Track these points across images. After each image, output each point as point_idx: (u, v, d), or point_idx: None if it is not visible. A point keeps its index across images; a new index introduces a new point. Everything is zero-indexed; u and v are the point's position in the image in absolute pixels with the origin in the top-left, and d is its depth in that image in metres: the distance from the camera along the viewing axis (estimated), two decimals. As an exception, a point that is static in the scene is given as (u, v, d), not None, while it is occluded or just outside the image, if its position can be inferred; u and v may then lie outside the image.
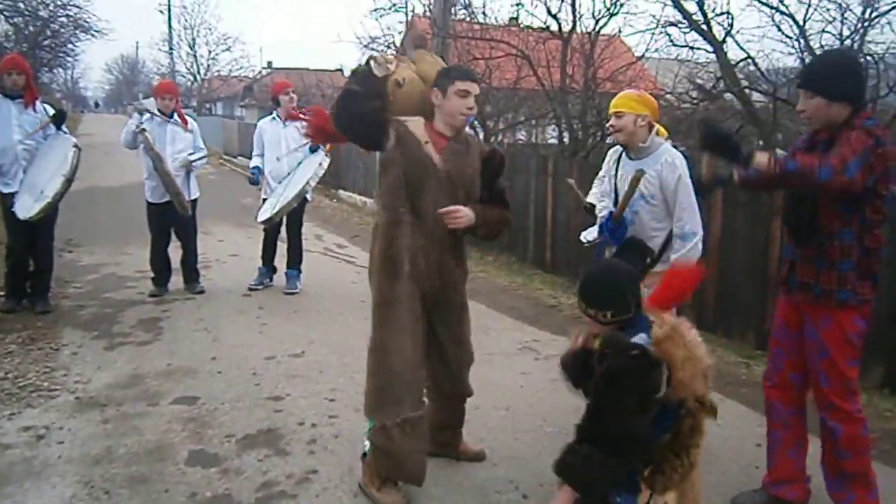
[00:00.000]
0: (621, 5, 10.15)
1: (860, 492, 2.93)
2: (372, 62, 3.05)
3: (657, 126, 3.64)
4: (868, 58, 7.61)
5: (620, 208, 3.54)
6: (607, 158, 5.18)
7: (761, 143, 8.75)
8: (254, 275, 7.10)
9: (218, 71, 41.72)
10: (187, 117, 6.55)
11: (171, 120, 6.31)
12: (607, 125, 3.77)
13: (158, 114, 6.24)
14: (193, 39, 40.21)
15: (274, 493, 3.23)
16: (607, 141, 5.41)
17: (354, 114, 3.03)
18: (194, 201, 6.51)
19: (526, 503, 3.17)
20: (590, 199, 4.52)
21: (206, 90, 41.74)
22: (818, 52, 7.39)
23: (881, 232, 2.86)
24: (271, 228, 6.77)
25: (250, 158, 7.07)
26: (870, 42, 7.68)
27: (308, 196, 6.71)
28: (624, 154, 3.72)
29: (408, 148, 3.05)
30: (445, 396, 3.44)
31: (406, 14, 14.72)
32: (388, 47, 14.34)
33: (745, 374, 4.99)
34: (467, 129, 3.40)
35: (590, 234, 5.61)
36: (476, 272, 8.06)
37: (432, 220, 3.06)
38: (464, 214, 3.04)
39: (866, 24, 7.65)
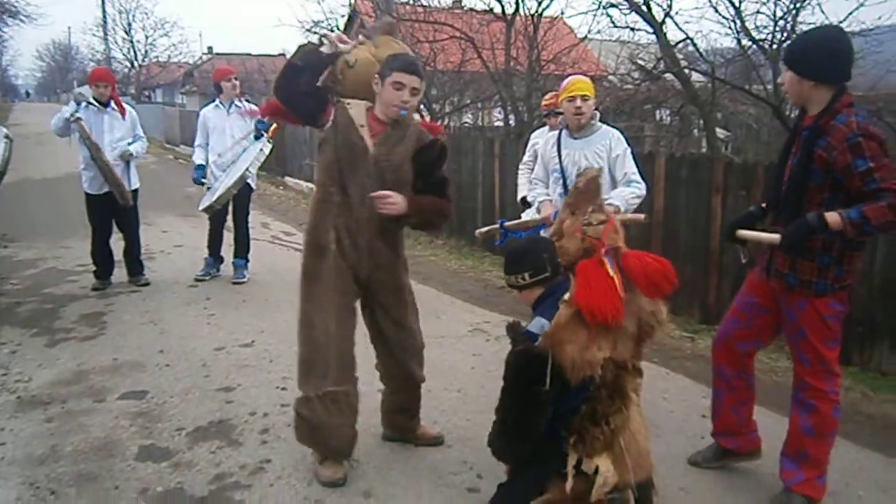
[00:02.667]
0: (563, -13, 10.22)
1: (811, 472, 2.97)
2: (324, 39, 3.06)
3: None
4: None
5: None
6: (534, 143, 5.38)
7: (702, 122, 8.96)
8: (200, 265, 6.97)
9: (156, 57, 40.59)
10: (125, 105, 6.35)
11: (108, 108, 6.12)
12: (572, 107, 3.93)
13: (95, 102, 6.04)
14: (129, 24, 39.03)
15: (228, 485, 3.20)
16: (557, 119, 5.48)
17: (293, 88, 3.04)
18: (135, 191, 6.35)
19: (480, 483, 3.21)
20: (521, 192, 4.90)
21: (145, 77, 40.57)
22: (754, 32, 7.59)
23: None
24: (217, 217, 6.66)
25: (192, 146, 6.90)
26: (801, 23, 7.90)
27: (252, 184, 6.63)
28: (565, 135, 4.07)
29: (342, 130, 3.07)
30: (395, 380, 3.47)
31: (349, -3, 14.53)
32: (331, 31, 14.16)
33: (690, 348, 5.13)
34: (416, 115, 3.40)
35: (531, 213, 5.72)
36: (426, 256, 8.09)
37: (359, 202, 3.07)
38: (395, 201, 3.03)
39: (798, 5, 7.86)
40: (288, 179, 14.55)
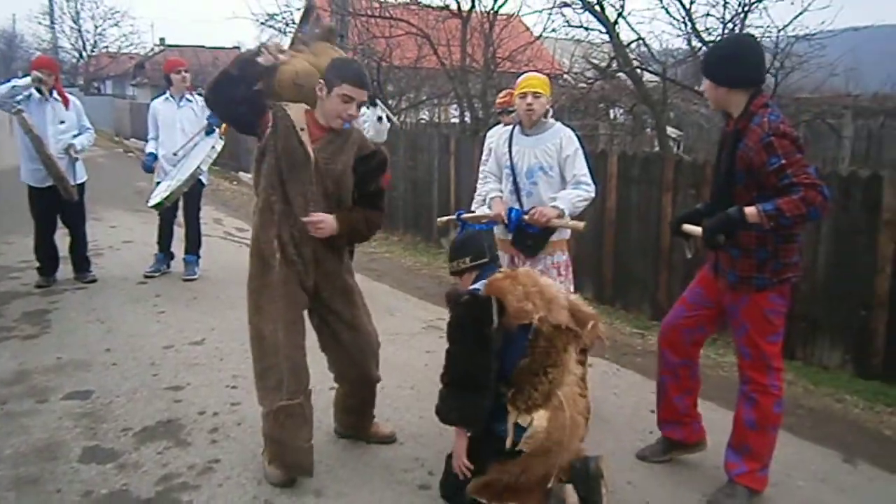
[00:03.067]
0: (519, -15, 10.25)
1: (753, 465, 3.05)
2: (263, 50, 2.98)
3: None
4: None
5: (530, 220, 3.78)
6: (490, 142, 5.37)
7: (652, 121, 9.11)
8: (150, 261, 6.82)
9: (106, 47, 39.47)
10: (69, 95, 6.18)
11: (51, 98, 5.94)
12: (524, 103, 3.87)
13: (38, 91, 5.83)
14: (77, 13, 37.89)
15: (175, 486, 3.15)
16: (511, 117, 5.51)
17: (227, 98, 2.97)
18: (81, 185, 6.16)
19: (432, 480, 3.21)
20: (478, 212, 4.91)
21: (94, 68, 39.46)
22: (704, 34, 7.74)
23: None
24: (167, 213, 6.53)
25: (144, 140, 6.75)
26: (749, 26, 8.08)
27: (204, 179, 6.53)
28: (517, 131, 4.01)
29: (282, 135, 3.00)
30: (350, 382, 3.45)
31: (304, -10, 14.36)
32: (287, 25, 13.96)
33: (641, 345, 5.22)
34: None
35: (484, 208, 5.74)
36: (381, 253, 8.07)
37: (303, 211, 3.02)
38: (325, 225, 3.01)
39: (746, 8, 8.04)
40: (242, 175, 14.33)
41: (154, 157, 6.47)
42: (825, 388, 4.43)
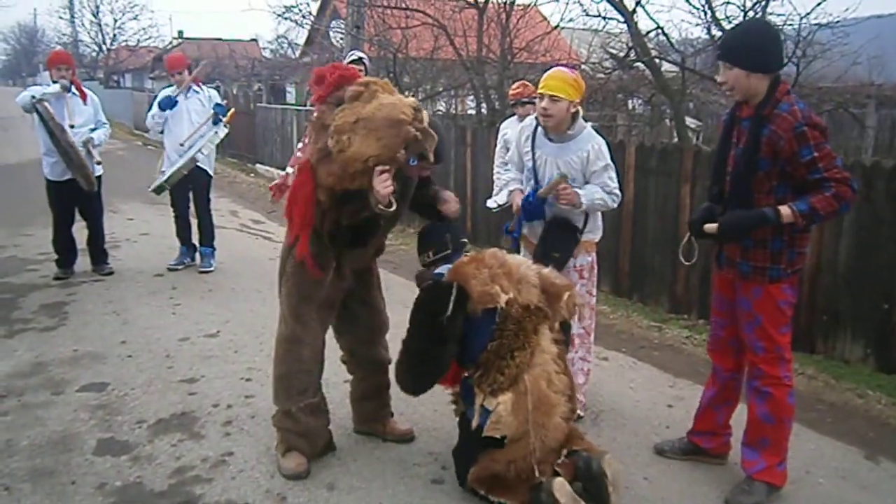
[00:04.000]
0: (536, -25, 10.16)
1: (772, 459, 3.00)
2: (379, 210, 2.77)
3: (581, 110, 3.55)
4: (770, 28, 7.86)
5: (545, 192, 3.55)
6: (504, 134, 5.20)
7: (671, 112, 8.99)
8: (166, 254, 6.85)
9: (125, 41, 39.77)
10: (86, 90, 6.19)
11: (69, 92, 5.96)
12: (539, 107, 3.49)
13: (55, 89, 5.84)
14: (97, 7, 38.20)
15: (188, 479, 3.14)
16: (525, 108, 5.43)
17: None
18: (98, 178, 6.18)
19: (445, 474, 3.19)
20: (496, 201, 5.01)
21: (113, 61, 39.75)
22: (724, 23, 7.60)
23: None
24: (180, 206, 6.56)
25: (162, 133, 6.73)
26: (770, 13, 7.92)
27: (209, 170, 6.53)
28: (540, 132, 3.64)
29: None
30: (363, 364, 3.46)
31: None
32: (304, 17, 13.94)
33: (658, 338, 5.15)
34: None
35: (500, 198, 5.69)
36: (397, 245, 8.04)
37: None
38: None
39: (767, -4, 7.88)
40: (259, 167, 14.38)
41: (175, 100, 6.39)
42: (846, 382, 4.34)
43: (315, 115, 2.99)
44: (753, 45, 2.84)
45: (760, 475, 3.01)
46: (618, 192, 3.60)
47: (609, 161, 3.55)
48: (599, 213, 3.72)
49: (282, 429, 3.20)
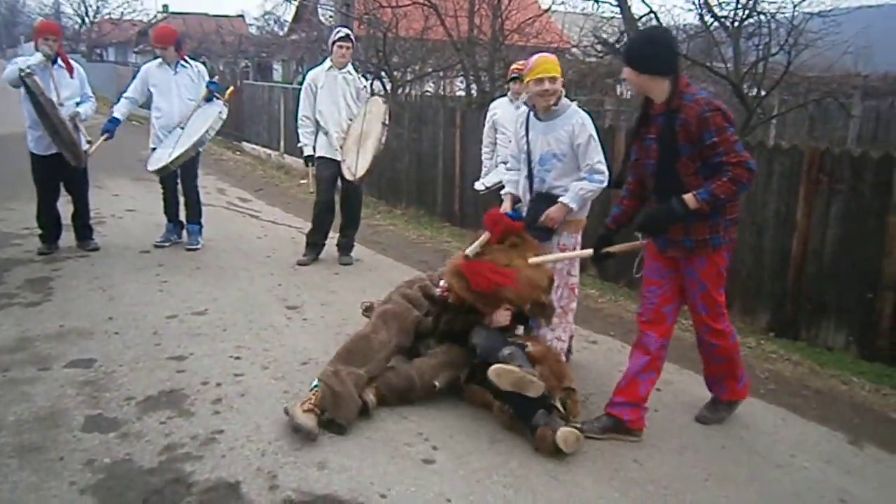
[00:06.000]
0: (529, -44, 10.08)
1: (731, 383, 3.55)
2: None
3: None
4: (761, 16, 7.91)
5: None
6: (493, 114, 5.35)
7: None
8: (152, 230, 6.79)
9: (109, 14, 39.13)
10: (73, 62, 6.08)
11: (55, 65, 5.84)
12: (540, 89, 3.73)
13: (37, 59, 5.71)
14: (80, -22, 37.52)
15: (177, 456, 3.13)
16: (520, 86, 5.43)
17: None
18: (85, 153, 6.07)
19: (436, 454, 3.20)
20: (486, 179, 5.46)
21: (97, 35, 39.11)
22: (716, 9, 7.62)
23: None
24: (169, 182, 6.48)
25: (147, 109, 6.62)
26: (762, 1, 7.95)
27: (199, 147, 6.43)
28: (532, 116, 3.92)
29: None
30: None
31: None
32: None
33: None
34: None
35: (487, 180, 5.72)
36: (385, 226, 8.04)
37: None
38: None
39: (759, -18, 7.90)
40: (245, 145, 14.25)
41: (117, 123, 6.24)
42: (830, 369, 4.40)
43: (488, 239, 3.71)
44: (650, 52, 3.21)
45: (726, 396, 3.59)
46: (603, 169, 3.78)
47: (593, 132, 3.77)
48: None
49: (325, 383, 3.37)
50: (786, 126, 11.18)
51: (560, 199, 3.79)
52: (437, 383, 3.62)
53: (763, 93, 7.95)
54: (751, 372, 4.26)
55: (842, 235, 4.62)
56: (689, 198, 3.08)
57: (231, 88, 6.68)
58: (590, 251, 3.70)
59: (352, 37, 6.13)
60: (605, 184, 3.79)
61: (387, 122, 5.87)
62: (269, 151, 13.05)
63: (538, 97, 3.77)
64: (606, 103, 13.28)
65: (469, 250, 3.68)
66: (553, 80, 3.72)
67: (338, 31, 6.15)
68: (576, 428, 3.23)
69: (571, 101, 3.91)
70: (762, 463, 3.25)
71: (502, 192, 4.21)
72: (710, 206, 3.08)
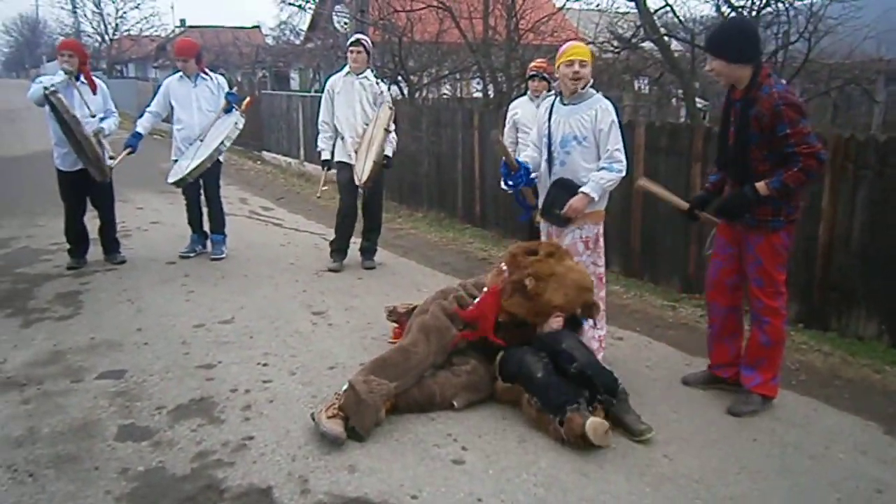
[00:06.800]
0: (541, -45, 10.06)
1: (766, 375, 3.58)
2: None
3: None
4: (780, 4, 7.81)
5: (509, 162, 4.05)
6: (514, 114, 5.41)
7: (680, 91, 8.92)
8: (177, 242, 6.86)
9: (127, 31, 39.69)
10: (95, 79, 6.18)
11: (78, 82, 5.94)
12: (570, 71, 3.90)
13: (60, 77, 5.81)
14: (99, -4, 38.05)
15: (210, 463, 3.17)
16: (540, 83, 5.49)
17: None
18: (109, 168, 6.17)
19: (465, 455, 3.21)
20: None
21: (116, 51, 39.69)
22: (733, 1, 7.54)
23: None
24: (192, 193, 6.55)
25: (170, 123, 6.70)
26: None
27: (220, 157, 6.49)
28: (557, 101, 4.05)
29: None
30: None
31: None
32: (307, 2, 13.87)
33: (672, 317, 5.15)
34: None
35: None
36: (407, 229, 8.06)
37: None
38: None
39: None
40: (265, 154, 14.37)
41: (140, 136, 6.33)
42: (861, 358, 4.33)
43: (512, 256, 3.80)
44: (733, 39, 3.40)
45: (757, 388, 3.59)
46: (622, 157, 3.90)
47: (614, 119, 3.88)
48: None
49: (354, 389, 3.35)
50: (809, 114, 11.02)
51: (581, 189, 3.86)
52: (455, 403, 3.61)
53: (787, 80, 7.84)
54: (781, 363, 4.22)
55: (869, 222, 4.55)
56: (761, 185, 3.31)
57: (248, 99, 6.75)
58: (686, 204, 3.88)
59: (364, 41, 6.16)
60: (623, 173, 3.90)
61: (390, 128, 5.91)
62: (289, 160, 13.15)
63: (568, 80, 3.90)
64: (625, 99, 13.21)
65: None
66: (583, 63, 3.88)
67: (352, 38, 6.20)
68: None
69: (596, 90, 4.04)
70: (795, 454, 3.22)
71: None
72: (780, 195, 3.31)
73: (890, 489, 2.97)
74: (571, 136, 3.91)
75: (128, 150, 6.26)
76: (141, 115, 6.59)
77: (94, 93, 6.05)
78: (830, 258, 4.75)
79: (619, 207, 6.00)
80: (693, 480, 3.02)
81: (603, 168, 3.88)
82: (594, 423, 3.16)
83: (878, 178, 4.49)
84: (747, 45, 3.38)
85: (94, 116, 5.91)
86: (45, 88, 5.57)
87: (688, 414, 3.56)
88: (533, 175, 4.10)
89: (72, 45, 6.18)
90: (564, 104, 3.98)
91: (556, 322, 3.73)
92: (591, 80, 3.98)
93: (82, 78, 5.97)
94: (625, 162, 3.90)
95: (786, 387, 3.89)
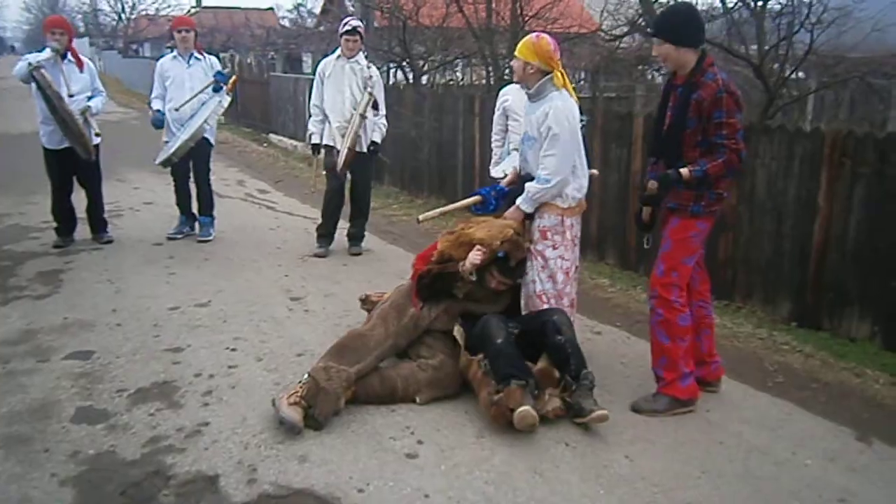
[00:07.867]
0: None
1: (670, 375, 3.49)
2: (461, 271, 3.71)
3: (554, 74, 3.72)
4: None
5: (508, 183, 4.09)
6: (504, 100, 5.37)
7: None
8: (168, 223, 6.83)
9: (144, 10, 39.78)
10: (82, 57, 6.12)
11: (65, 60, 5.89)
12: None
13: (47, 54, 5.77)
14: (116, -25, 38.18)
15: (161, 448, 3.12)
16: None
17: None
18: (96, 147, 6.12)
19: (420, 448, 3.14)
20: (496, 168, 5.28)
21: (133, 30, 39.77)
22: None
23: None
24: (180, 174, 6.50)
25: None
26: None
27: (211, 139, 6.43)
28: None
29: None
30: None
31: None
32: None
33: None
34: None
35: (506, 168, 5.61)
36: (399, 215, 7.97)
37: None
38: None
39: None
40: (272, 136, 14.30)
41: (163, 114, 6.35)
42: (847, 361, 4.19)
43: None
44: (682, 24, 3.39)
45: (664, 389, 3.50)
46: (548, 166, 3.66)
47: (553, 126, 3.62)
48: (580, 180, 3.82)
49: (313, 378, 3.32)
50: (824, 109, 10.76)
51: (518, 202, 3.80)
52: (418, 399, 3.53)
53: (788, 73, 7.63)
54: (759, 364, 4.12)
55: (866, 221, 4.40)
56: (684, 170, 3.31)
57: (234, 77, 6.68)
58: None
59: (360, 29, 6.04)
60: (550, 185, 3.66)
61: (365, 114, 5.82)
62: (294, 143, 13.06)
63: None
64: (638, 90, 13.00)
65: (423, 216, 4.23)
66: (516, 58, 3.75)
67: (345, 24, 6.06)
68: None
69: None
70: (760, 459, 3.11)
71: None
72: (699, 182, 3.32)
73: (855, 498, 2.85)
74: (527, 135, 3.81)
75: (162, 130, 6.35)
76: (151, 102, 6.59)
77: (81, 71, 6.00)
78: (825, 257, 4.61)
79: (615, 201, 5.88)
80: (651, 483, 2.92)
81: (536, 177, 3.73)
82: (527, 412, 3.11)
83: (876, 176, 4.34)
84: (694, 30, 3.40)
85: (72, 96, 5.82)
86: (30, 64, 5.53)
87: (657, 419, 3.45)
88: (502, 185, 4.10)
89: (61, 22, 6.14)
90: (531, 101, 3.84)
91: (474, 254, 3.63)
92: (543, 80, 3.71)
93: (70, 56, 5.91)
94: (552, 172, 3.64)
95: (761, 388, 3.79)
